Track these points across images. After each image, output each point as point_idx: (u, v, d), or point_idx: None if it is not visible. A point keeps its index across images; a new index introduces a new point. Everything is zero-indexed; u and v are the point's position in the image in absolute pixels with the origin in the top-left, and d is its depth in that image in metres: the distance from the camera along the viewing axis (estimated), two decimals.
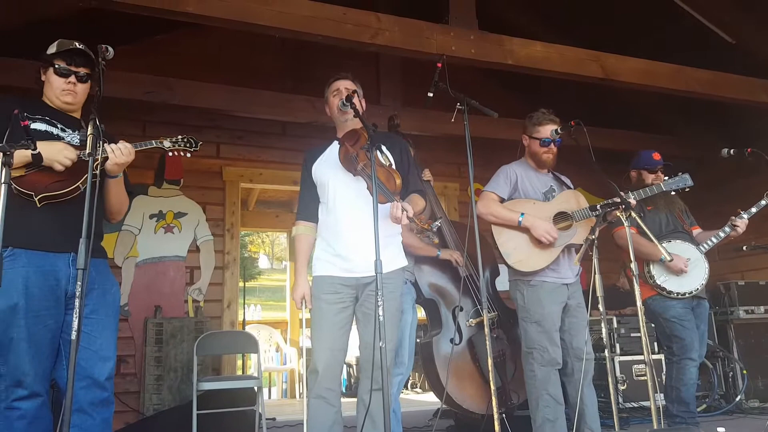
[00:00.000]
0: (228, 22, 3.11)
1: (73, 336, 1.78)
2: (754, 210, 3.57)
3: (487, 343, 2.49)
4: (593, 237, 2.85)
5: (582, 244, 3.04)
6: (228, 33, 4.50)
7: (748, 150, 3.49)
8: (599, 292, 2.83)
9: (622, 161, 4.08)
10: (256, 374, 4.34)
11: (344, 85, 2.70)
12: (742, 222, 3.53)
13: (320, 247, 2.63)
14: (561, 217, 3.14)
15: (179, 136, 2.42)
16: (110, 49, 2.00)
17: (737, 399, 4.74)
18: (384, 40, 3.44)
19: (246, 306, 6.20)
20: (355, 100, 2.53)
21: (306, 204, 2.71)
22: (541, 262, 3.06)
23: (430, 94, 2.70)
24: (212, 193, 5.12)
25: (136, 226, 4.87)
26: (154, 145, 2.34)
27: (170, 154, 2.43)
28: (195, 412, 3.72)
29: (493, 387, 2.50)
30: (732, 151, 3.52)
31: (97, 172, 2.08)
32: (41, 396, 2.12)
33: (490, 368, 2.48)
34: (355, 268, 2.52)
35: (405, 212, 2.38)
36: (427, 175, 3.76)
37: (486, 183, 3.25)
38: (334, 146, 2.66)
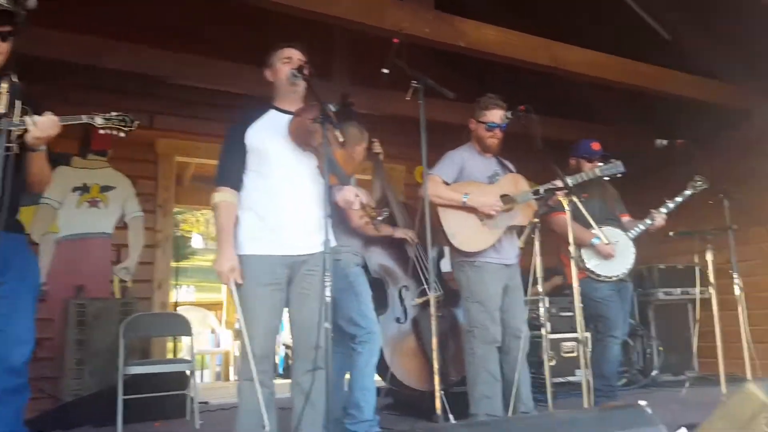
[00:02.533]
0: None
1: None
2: (679, 199, 3.82)
3: (433, 323, 2.51)
4: (536, 221, 2.93)
5: (523, 226, 3.14)
6: None
7: (679, 142, 3.69)
8: (539, 273, 2.92)
9: (562, 149, 4.21)
10: (188, 357, 4.18)
11: (297, 56, 2.59)
12: (659, 216, 3.79)
13: (249, 221, 2.45)
14: (504, 200, 3.21)
15: (113, 113, 2.23)
16: None
17: (653, 374, 5.06)
18: (338, 12, 3.34)
19: (178, 287, 5.95)
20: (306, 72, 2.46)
21: (230, 169, 2.49)
22: (484, 242, 3.13)
23: (386, 71, 2.66)
24: (144, 166, 4.82)
25: (57, 199, 4.51)
26: (84, 121, 2.14)
27: (101, 132, 2.24)
28: (120, 396, 3.54)
29: (436, 365, 2.53)
30: (665, 142, 3.70)
31: (13, 144, 1.91)
32: None
33: (434, 348, 2.51)
34: (291, 246, 2.42)
35: (358, 197, 2.35)
36: (377, 147, 3.73)
37: (434, 166, 3.26)
38: (273, 114, 2.54)
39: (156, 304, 4.72)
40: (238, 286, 2.36)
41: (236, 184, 2.48)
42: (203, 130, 4.91)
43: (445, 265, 5.42)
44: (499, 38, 3.89)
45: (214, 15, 4.85)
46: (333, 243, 2.50)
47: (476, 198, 3.12)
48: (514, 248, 3.27)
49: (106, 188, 4.69)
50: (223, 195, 2.45)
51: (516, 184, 3.30)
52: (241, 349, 2.42)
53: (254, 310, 2.37)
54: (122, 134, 2.23)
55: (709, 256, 3.40)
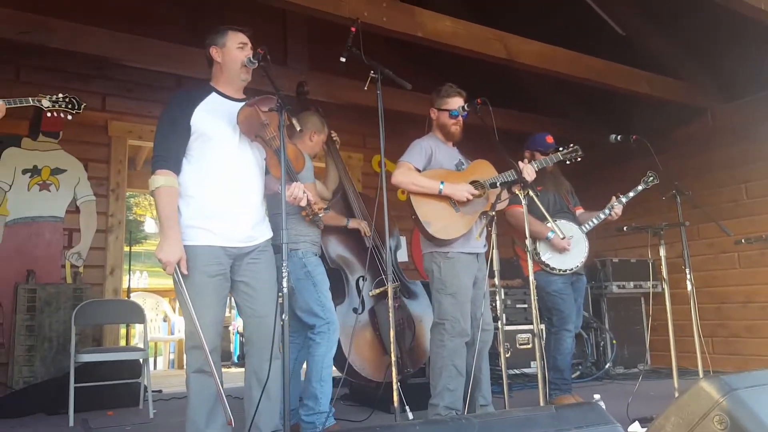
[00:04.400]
0: None
1: None
2: (631, 194, 3.88)
3: (390, 314, 2.51)
4: (492, 213, 2.95)
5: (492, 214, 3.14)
6: None
7: (634, 137, 3.75)
8: (496, 266, 2.93)
9: (518, 141, 4.26)
10: (141, 345, 4.10)
11: (249, 43, 2.51)
12: (619, 207, 3.84)
13: (191, 210, 2.32)
14: (474, 186, 3.20)
15: (60, 95, 2.16)
16: None
17: (606, 366, 5.19)
18: None
19: (131, 272, 5.81)
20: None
21: (173, 150, 2.31)
22: (459, 230, 3.11)
23: (343, 59, 2.62)
24: (96, 149, 4.68)
25: (6, 181, 4.36)
26: (31, 104, 2.09)
27: (48, 114, 2.16)
28: (72, 384, 3.49)
29: (394, 357, 2.54)
30: (619, 137, 3.75)
31: None
32: None
33: (392, 339, 2.51)
34: (236, 238, 2.37)
35: (306, 194, 2.32)
36: (333, 136, 3.70)
37: (391, 155, 3.24)
38: (216, 98, 2.44)
39: (108, 290, 4.61)
40: (183, 276, 2.27)
41: (177, 168, 2.32)
42: (155, 112, 4.72)
43: (402, 255, 5.45)
44: (456, 30, 3.89)
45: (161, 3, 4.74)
46: (270, 235, 2.52)
47: (451, 186, 3.10)
48: (483, 236, 3.27)
49: (57, 171, 4.54)
50: (165, 179, 2.28)
51: (483, 170, 3.30)
52: (187, 342, 2.36)
53: (203, 302, 2.29)
54: (69, 116, 2.15)
55: (662, 251, 3.47)
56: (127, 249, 5.26)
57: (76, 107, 2.17)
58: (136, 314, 4.04)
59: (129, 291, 5.67)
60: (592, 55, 4.60)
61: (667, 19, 4.77)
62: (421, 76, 5.73)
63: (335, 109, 4.84)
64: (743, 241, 4.01)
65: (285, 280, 2.10)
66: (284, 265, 2.13)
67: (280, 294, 2.14)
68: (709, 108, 5.39)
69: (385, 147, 2.66)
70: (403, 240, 3.39)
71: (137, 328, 5.46)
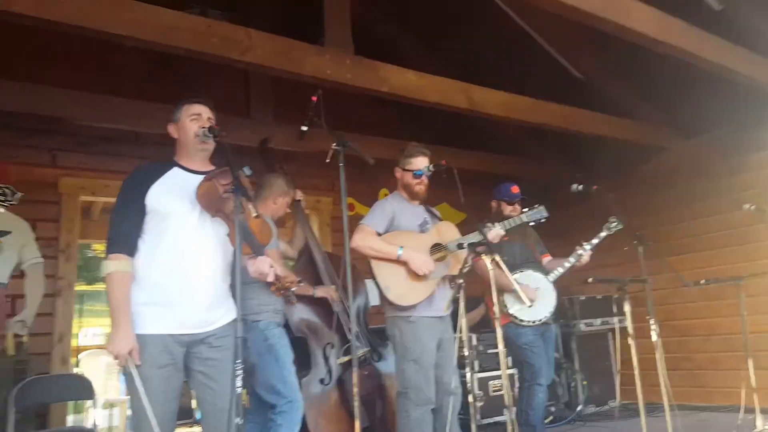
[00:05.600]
0: (73, 27, 2.64)
1: None
2: (595, 241, 3.88)
3: (355, 390, 2.38)
4: (461, 281, 2.87)
5: (455, 275, 3.07)
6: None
7: (594, 187, 3.76)
8: (464, 336, 2.81)
9: (484, 181, 4.26)
10: (89, 426, 3.82)
11: (206, 113, 2.40)
12: (586, 254, 3.83)
13: (140, 294, 2.19)
14: (435, 249, 3.16)
15: None
16: None
17: (578, 408, 5.16)
18: (254, 58, 3.18)
19: (84, 330, 5.51)
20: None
21: (127, 232, 2.22)
22: (420, 295, 3.06)
23: (305, 128, 2.55)
24: (45, 207, 4.39)
25: None
26: None
27: None
28: None
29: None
30: (580, 187, 3.75)
31: None
32: None
33: (356, 409, 2.37)
34: (190, 324, 2.22)
35: (273, 269, 2.21)
36: (298, 194, 3.60)
37: (361, 198, 3.18)
38: (177, 173, 2.33)
39: (55, 360, 4.28)
40: (136, 367, 2.10)
41: (131, 250, 2.21)
42: (111, 167, 4.57)
43: (373, 299, 5.31)
44: (420, 83, 3.90)
45: (123, 50, 4.56)
46: (233, 317, 2.31)
47: (410, 253, 3.05)
48: (446, 299, 3.20)
49: (1, 234, 4.25)
50: (117, 264, 2.17)
51: (445, 232, 3.27)
52: None
53: (151, 395, 2.12)
54: (1, 209, 1.98)
55: (626, 307, 3.47)
56: (85, 287, 4.98)
57: (9, 198, 2.00)
58: (85, 390, 3.71)
59: (79, 349, 5.36)
60: (553, 100, 4.68)
61: (623, 65, 4.88)
62: (392, 121, 5.71)
63: (302, 155, 4.73)
64: (702, 282, 4.07)
65: (238, 379, 1.89)
66: (238, 361, 1.92)
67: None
68: (667, 146, 5.53)
69: (355, 190, 2.58)
70: (372, 286, 3.27)
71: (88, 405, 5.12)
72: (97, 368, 5.90)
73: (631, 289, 3.50)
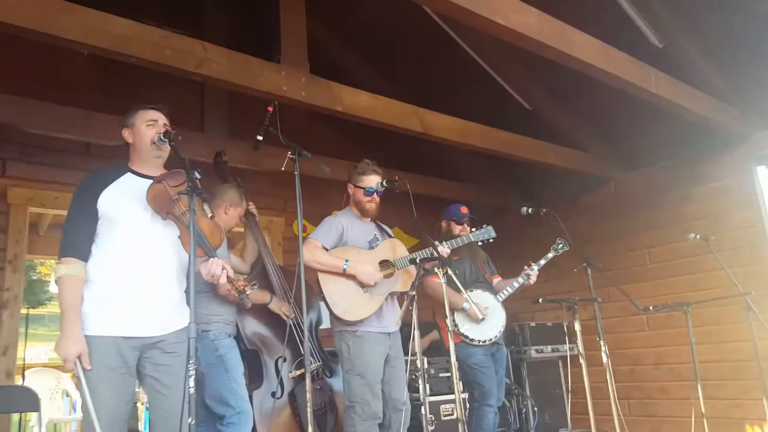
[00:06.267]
0: (23, 30, 2.63)
1: None
2: (542, 262, 4.00)
3: (308, 401, 2.38)
4: (413, 293, 2.91)
5: (404, 292, 3.12)
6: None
7: (543, 210, 3.89)
8: (418, 348, 2.85)
9: (436, 205, 4.35)
10: None
11: (162, 119, 2.44)
12: (533, 273, 3.93)
13: (95, 297, 2.22)
14: (384, 265, 3.20)
15: None
16: None
17: None
18: (210, 71, 3.21)
19: (29, 347, 5.31)
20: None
21: (79, 237, 2.26)
22: (367, 310, 3.09)
23: (260, 138, 2.59)
24: None
25: None
26: None
27: None
28: None
29: None
30: (530, 210, 3.87)
31: None
32: None
33: (309, 425, 2.37)
34: (143, 327, 2.22)
35: (225, 271, 2.21)
36: (251, 207, 3.61)
37: (313, 219, 3.20)
38: (129, 178, 2.36)
39: (1, 373, 4.16)
40: (85, 371, 2.10)
41: (84, 255, 2.25)
42: (61, 179, 4.49)
43: (325, 321, 5.30)
44: (373, 104, 3.97)
45: (74, 59, 4.54)
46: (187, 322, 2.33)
47: (356, 266, 3.07)
48: (394, 315, 3.24)
49: None
50: (68, 267, 2.20)
51: (394, 249, 3.32)
52: None
53: (101, 398, 2.12)
54: None
55: (577, 326, 3.55)
56: (26, 311, 4.81)
57: None
58: (30, 402, 3.61)
59: (25, 367, 5.16)
60: (501, 127, 4.81)
61: (570, 97, 5.09)
62: (344, 142, 5.79)
63: (255, 174, 4.75)
64: (651, 308, 4.20)
65: (191, 380, 1.94)
66: (191, 362, 1.96)
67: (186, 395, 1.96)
68: (612, 177, 5.73)
69: (307, 211, 2.61)
70: (326, 316, 3.29)
71: (33, 417, 4.91)
72: (42, 387, 5.71)
73: (581, 316, 3.57)
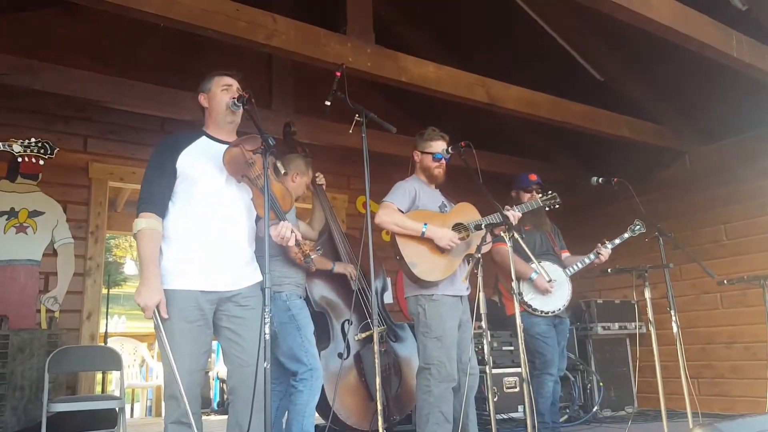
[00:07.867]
0: (108, 4, 2.79)
1: None
2: (617, 241, 3.89)
3: (376, 359, 2.44)
4: (478, 255, 2.92)
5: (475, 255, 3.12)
6: (105, 17, 4.12)
7: (615, 180, 3.79)
8: (482, 309, 2.88)
9: (501, 182, 4.29)
10: (117, 394, 3.95)
11: (236, 85, 2.52)
12: (606, 252, 3.83)
13: (174, 253, 2.29)
14: (457, 228, 3.20)
15: (32, 139, 2.13)
16: None
17: (594, 410, 5.11)
18: (279, 43, 3.29)
19: (109, 317, 5.66)
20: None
21: (158, 194, 2.31)
22: (445, 272, 3.10)
23: (328, 103, 2.63)
24: (76, 191, 4.61)
25: None
26: (1, 149, 2.05)
27: (19, 159, 2.14)
28: None
29: (380, 407, 2.45)
30: (600, 179, 3.78)
31: None
32: None
33: (378, 387, 2.43)
34: (219, 282, 2.31)
35: (294, 234, 2.28)
36: (320, 179, 3.70)
37: (375, 196, 3.23)
38: (205, 141, 2.45)
39: (85, 335, 4.47)
40: (163, 321, 2.21)
41: (162, 211, 2.32)
42: (138, 155, 4.76)
43: (388, 297, 5.39)
44: (439, 75, 3.95)
45: (150, 40, 4.76)
46: (258, 279, 2.43)
47: (435, 230, 3.08)
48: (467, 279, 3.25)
49: (35, 213, 4.45)
50: (147, 221, 2.27)
51: (467, 213, 3.30)
52: (165, 390, 2.27)
53: (181, 349, 2.23)
54: (41, 161, 2.12)
55: (647, 293, 3.45)
56: (105, 292, 5.14)
57: (49, 152, 2.14)
58: (113, 361, 3.91)
59: (106, 336, 5.51)
60: (572, 100, 4.69)
61: (644, 66, 4.89)
62: (406, 119, 5.80)
63: (320, 151, 4.85)
64: (725, 282, 4.02)
65: (267, 326, 2.03)
66: (267, 310, 2.06)
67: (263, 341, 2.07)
68: (687, 151, 5.50)
69: (371, 189, 2.64)
70: (389, 281, 3.35)
71: (114, 375, 5.28)
72: (121, 353, 6.10)
73: (651, 295, 3.46)
